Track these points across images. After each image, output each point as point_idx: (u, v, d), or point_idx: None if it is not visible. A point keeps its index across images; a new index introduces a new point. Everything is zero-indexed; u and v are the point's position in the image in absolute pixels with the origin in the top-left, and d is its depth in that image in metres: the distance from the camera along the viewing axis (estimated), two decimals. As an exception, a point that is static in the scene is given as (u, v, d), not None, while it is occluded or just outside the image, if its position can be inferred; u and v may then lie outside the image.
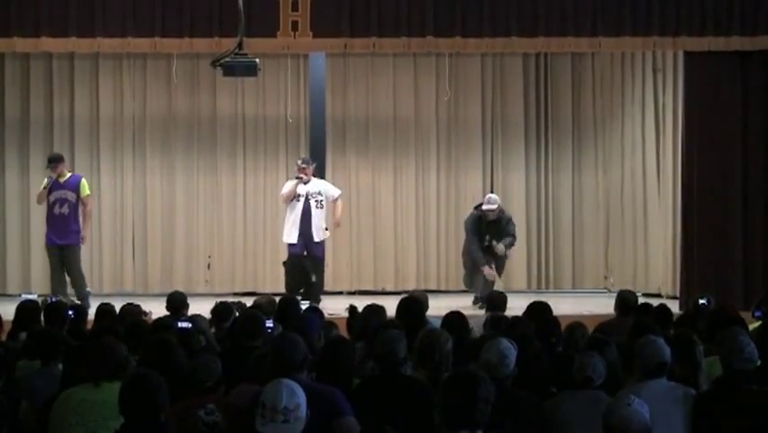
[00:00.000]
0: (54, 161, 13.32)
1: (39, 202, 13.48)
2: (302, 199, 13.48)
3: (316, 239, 13.48)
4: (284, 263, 13.76)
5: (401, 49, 13.43)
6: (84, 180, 13.35)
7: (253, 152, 15.55)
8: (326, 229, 13.67)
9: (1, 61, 15.12)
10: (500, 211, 13.78)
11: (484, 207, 13.73)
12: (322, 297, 13.61)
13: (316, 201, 13.52)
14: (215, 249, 15.50)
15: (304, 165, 13.62)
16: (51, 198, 13.18)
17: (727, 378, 6.12)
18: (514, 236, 13.89)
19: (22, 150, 15.23)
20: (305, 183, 13.56)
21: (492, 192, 14.63)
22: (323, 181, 13.81)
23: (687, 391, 6.07)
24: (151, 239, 15.39)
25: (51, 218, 13.22)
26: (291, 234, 13.48)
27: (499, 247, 13.66)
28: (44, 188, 13.23)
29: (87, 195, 13.29)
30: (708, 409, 5.94)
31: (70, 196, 13.19)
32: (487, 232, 13.70)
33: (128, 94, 15.38)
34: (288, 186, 13.71)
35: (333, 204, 13.76)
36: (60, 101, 15.29)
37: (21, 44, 12.77)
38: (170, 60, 14.79)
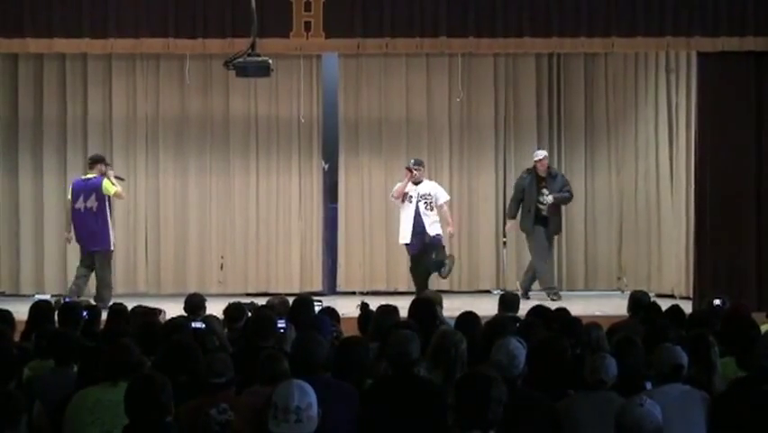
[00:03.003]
0: None
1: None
2: (413, 201, 13.76)
3: (432, 233, 13.75)
4: (409, 267, 14.15)
5: (414, 49, 13.45)
6: None
7: (266, 153, 15.56)
8: (448, 225, 14.00)
9: (14, 62, 15.15)
10: (550, 166, 14.50)
11: (534, 159, 14.34)
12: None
13: (426, 203, 13.80)
14: (228, 249, 15.50)
15: (416, 166, 13.85)
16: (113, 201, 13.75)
17: (751, 379, 6.07)
18: (570, 193, 14.45)
19: (35, 151, 15.25)
20: (415, 184, 13.76)
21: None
22: (434, 184, 14.14)
23: (703, 394, 6.05)
24: (164, 239, 15.41)
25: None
26: (405, 236, 13.79)
27: (548, 198, 14.21)
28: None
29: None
30: (728, 409, 5.91)
31: None
32: (544, 187, 14.23)
33: (141, 94, 15.40)
34: (398, 185, 13.94)
35: (440, 209, 13.92)
36: (74, 102, 15.31)
37: (34, 45, 12.81)
38: (183, 61, 14.79)
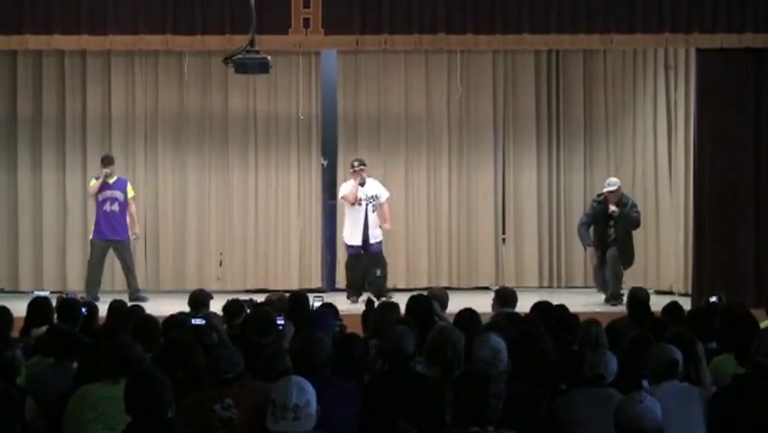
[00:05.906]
0: (111, 162, 14.04)
1: (91, 195, 14.10)
2: (363, 204, 13.75)
3: (372, 241, 13.74)
4: (346, 264, 14.02)
5: (413, 46, 13.44)
6: (129, 183, 14.22)
7: (265, 150, 15.55)
8: (380, 226, 13.87)
9: (13, 59, 15.13)
10: (622, 195, 13.76)
11: (605, 190, 13.76)
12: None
13: (372, 206, 13.81)
14: (227, 246, 15.49)
15: (362, 167, 13.80)
16: (101, 197, 13.89)
17: (749, 375, 6.07)
18: (637, 222, 13.79)
19: (34, 147, 15.25)
20: (361, 185, 13.73)
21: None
22: (376, 183, 14.05)
23: (701, 391, 6.05)
24: (163, 236, 15.40)
25: (103, 215, 13.89)
26: (353, 237, 13.76)
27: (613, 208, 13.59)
28: (98, 183, 13.92)
29: (132, 196, 14.19)
30: (727, 406, 5.91)
31: (119, 196, 13.97)
32: (610, 217, 13.70)
33: (140, 91, 15.39)
34: (348, 188, 13.86)
35: (380, 207, 13.90)
36: (72, 98, 15.30)
37: (33, 41, 12.80)
38: (182, 57, 14.80)
